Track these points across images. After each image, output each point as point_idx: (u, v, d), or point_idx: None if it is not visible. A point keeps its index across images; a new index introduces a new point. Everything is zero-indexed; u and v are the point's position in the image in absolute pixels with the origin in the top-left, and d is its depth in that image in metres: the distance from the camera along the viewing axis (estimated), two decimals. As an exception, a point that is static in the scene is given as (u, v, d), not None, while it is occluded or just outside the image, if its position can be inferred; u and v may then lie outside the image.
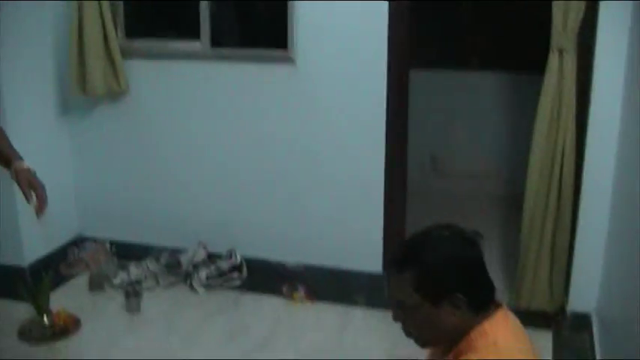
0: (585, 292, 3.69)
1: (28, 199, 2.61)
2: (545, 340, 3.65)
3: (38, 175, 2.63)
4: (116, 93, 4.31)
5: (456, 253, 1.87)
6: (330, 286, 4.07)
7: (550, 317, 3.82)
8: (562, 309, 3.81)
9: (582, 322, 3.72)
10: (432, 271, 1.86)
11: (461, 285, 1.87)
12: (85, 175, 4.59)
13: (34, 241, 4.27)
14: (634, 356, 2.54)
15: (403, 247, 1.95)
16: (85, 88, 4.19)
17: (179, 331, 3.74)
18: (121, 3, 4.25)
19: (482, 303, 1.92)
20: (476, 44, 5.75)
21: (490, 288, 1.96)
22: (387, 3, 3.72)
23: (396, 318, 1.98)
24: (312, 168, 4.13)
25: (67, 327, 3.71)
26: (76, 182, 4.61)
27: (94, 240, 4.61)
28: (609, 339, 3.19)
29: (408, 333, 2.00)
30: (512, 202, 4.34)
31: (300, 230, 4.23)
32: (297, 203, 4.20)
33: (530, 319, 3.70)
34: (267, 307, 4.05)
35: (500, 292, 4.05)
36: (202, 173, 4.37)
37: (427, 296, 1.89)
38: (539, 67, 3.51)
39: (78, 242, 4.63)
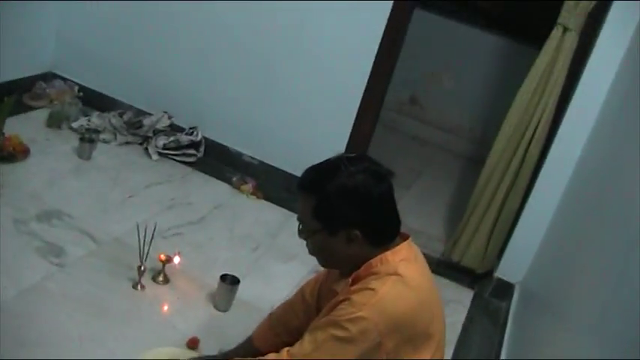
0: (516, 263, 3.78)
1: None
2: (465, 296, 3.77)
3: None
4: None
5: (358, 187, 1.90)
6: (279, 188, 4.11)
7: (476, 277, 3.91)
8: (490, 272, 3.90)
9: (505, 290, 3.82)
10: (330, 201, 1.91)
11: (358, 220, 1.91)
12: (71, 14, 4.49)
13: (5, 64, 4.22)
14: (541, 322, 2.64)
15: (312, 171, 1.98)
16: None
17: (123, 188, 3.77)
18: None
19: (383, 238, 1.97)
20: (487, 5, 5.70)
21: (394, 224, 2.00)
22: None
23: (299, 236, 2.03)
24: (293, 65, 4.09)
25: (14, 153, 3.70)
26: (61, 19, 4.52)
27: (64, 80, 4.57)
28: (524, 313, 3.29)
29: (310, 251, 2.06)
30: (477, 164, 4.38)
31: (265, 126, 4.23)
32: (270, 99, 4.18)
33: (457, 273, 3.87)
34: (213, 190, 4.09)
35: (437, 240, 4.16)
36: (183, 43, 4.33)
37: (324, 224, 1.93)
38: (540, 43, 3.51)
39: (47, 78, 4.59)
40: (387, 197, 1.95)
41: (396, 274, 1.90)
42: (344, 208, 1.89)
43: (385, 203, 1.95)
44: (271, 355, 1.94)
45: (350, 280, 1.96)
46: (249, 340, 2.49)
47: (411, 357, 1.93)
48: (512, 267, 3.81)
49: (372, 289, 1.86)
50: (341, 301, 1.90)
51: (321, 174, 1.93)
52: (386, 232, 1.97)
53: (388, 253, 1.95)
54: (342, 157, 1.96)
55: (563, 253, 2.89)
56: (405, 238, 2.02)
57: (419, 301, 1.92)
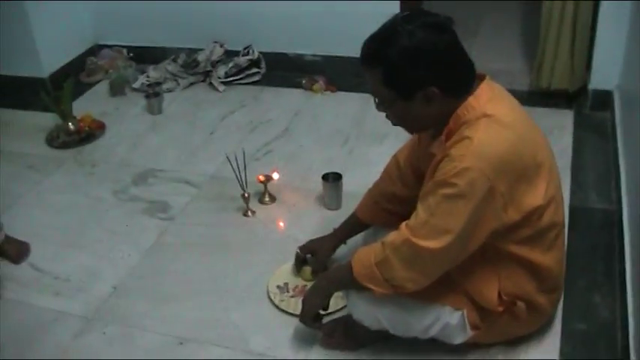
0: (607, 69, 3.60)
1: None
2: (566, 118, 3.64)
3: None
4: None
5: (421, 44, 1.80)
6: (349, 75, 4.02)
7: (571, 96, 3.77)
8: (584, 87, 3.75)
9: (604, 99, 3.66)
10: (398, 67, 1.82)
11: (431, 77, 1.83)
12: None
13: (51, 52, 4.30)
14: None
15: (370, 42, 1.88)
16: None
17: (201, 128, 3.79)
18: None
19: (461, 86, 1.89)
20: None
21: (468, 70, 1.91)
22: None
23: (378, 109, 1.97)
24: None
25: (92, 131, 3.77)
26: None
27: (111, 47, 4.58)
28: (630, 115, 3.15)
29: (393, 123, 2.00)
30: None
31: (316, 21, 4.13)
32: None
33: (551, 98, 3.76)
34: (287, 99, 4.05)
35: (521, 74, 4.02)
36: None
37: (398, 91, 1.86)
38: None
39: (95, 50, 4.63)
40: (453, 45, 1.85)
41: (485, 115, 1.83)
42: (413, 69, 1.81)
43: (453, 52, 1.85)
44: (392, 235, 1.91)
45: (443, 137, 1.90)
46: (353, 215, 2.52)
47: (527, 191, 1.87)
48: (604, 74, 3.63)
49: (468, 138, 1.80)
50: (440, 160, 1.85)
51: (380, 42, 1.85)
52: (462, 80, 1.89)
53: (471, 98, 1.87)
54: (396, 18, 1.87)
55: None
56: (482, 78, 1.93)
57: (517, 135, 1.85)
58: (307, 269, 2.56)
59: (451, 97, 1.87)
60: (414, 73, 1.82)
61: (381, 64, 1.84)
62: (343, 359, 2.26)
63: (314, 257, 2.54)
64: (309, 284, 2.22)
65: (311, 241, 2.58)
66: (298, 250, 2.57)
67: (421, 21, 1.82)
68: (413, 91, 1.85)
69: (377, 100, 1.94)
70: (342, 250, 2.56)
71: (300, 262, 2.58)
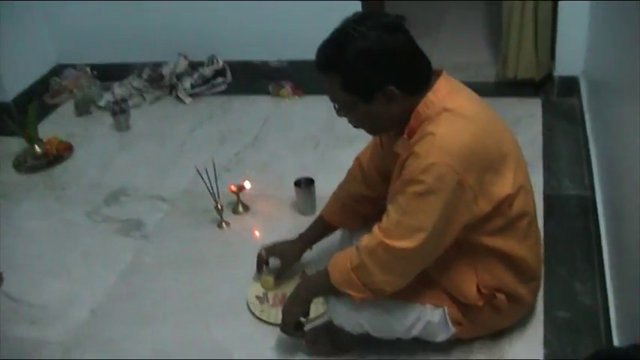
0: (572, 56, 3.62)
1: None
2: (535, 107, 3.65)
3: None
4: None
5: (376, 45, 1.79)
6: (316, 78, 3.98)
7: (538, 84, 3.79)
8: (549, 75, 3.77)
9: (570, 85, 3.68)
10: (355, 71, 1.81)
11: (388, 77, 1.82)
12: (57, 2, 4.41)
13: (13, 75, 4.23)
14: (618, 107, 2.53)
15: (324, 48, 1.86)
16: None
17: (171, 142, 3.76)
18: None
19: (419, 83, 1.88)
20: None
21: (425, 67, 1.90)
22: None
23: (339, 114, 1.96)
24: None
25: (60, 153, 3.72)
26: (49, 11, 4.44)
27: (74, 66, 4.53)
28: (597, 100, 3.17)
29: (355, 126, 1.99)
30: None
31: (279, 27, 4.11)
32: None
33: (518, 87, 3.77)
34: (255, 107, 4.03)
35: (487, 65, 4.03)
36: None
37: (357, 94, 1.85)
38: None
39: (58, 70, 4.57)
40: (407, 44, 1.84)
41: (445, 110, 1.83)
42: (370, 71, 1.80)
43: (408, 50, 1.84)
44: (366, 238, 1.90)
45: (406, 136, 1.89)
46: (319, 219, 2.51)
47: (495, 181, 1.87)
48: (569, 60, 3.65)
49: (430, 133, 1.79)
50: (406, 159, 1.84)
51: (335, 47, 1.84)
52: (419, 77, 1.88)
53: (430, 94, 1.86)
54: (348, 22, 1.86)
55: (616, 26, 2.72)
56: (439, 74, 1.93)
57: (479, 126, 1.84)
58: (269, 279, 2.55)
59: (410, 95, 1.86)
60: (372, 74, 1.81)
61: (337, 69, 1.82)
62: (328, 366, 2.24)
63: (281, 261, 2.52)
64: (289, 292, 2.20)
65: (277, 244, 2.55)
66: (263, 253, 2.53)
67: (373, 22, 1.81)
68: (372, 92, 1.84)
69: (336, 105, 1.93)
70: (308, 254, 2.55)
71: (261, 264, 2.55)
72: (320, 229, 2.50)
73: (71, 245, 3.01)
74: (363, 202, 2.38)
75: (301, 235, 2.53)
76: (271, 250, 2.54)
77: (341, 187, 2.48)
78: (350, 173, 2.45)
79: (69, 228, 3.13)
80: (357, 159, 2.42)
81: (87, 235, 3.07)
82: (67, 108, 4.28)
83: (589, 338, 2.23)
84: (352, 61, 1.79)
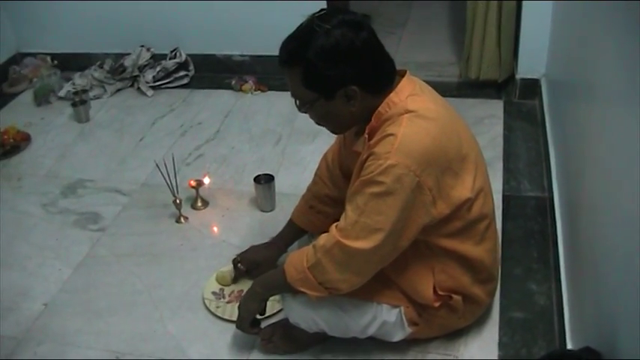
0: (534, 59, 3.65)
1: None
2: (496, 108, 3.68)
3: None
4: None
5: (339, 43, 1.78)
6: (279, 74, 3.96)
7: (500, 85, 3.82)
8: (512, 77, 3.80)
9: (532, 87, 3.72)
10: (316, 67, 1.80)
11: (350, 75, 1.81)
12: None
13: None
14: (577, 109, 2.55)
15: (288, 43, 1.86)
16: None
17: (131, 134, 3.71)
18: None
19: (382, 83, 1.88)
20: None
21: (388, 66, 1.90)
22: None
23: (300, 110, 1.95)
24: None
25: (17, 143, 3.65)
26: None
27: (34, 55, 4.45)
28: (557, 103, 3.19)
29: (317, 123, 1.98)
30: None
31: (243, 21, 4.09)
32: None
33: (481, 88, 3.79)
34: (217, 101, 4.00)
35: (450, 65, 4.05)
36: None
37: (318, 92, 1.84)
38: None
39: (17, 59, 4.50)
40: (371, 42, 1.83)
41: (407, 111, 1.82)
42: (332, 68, 1.79)
43: (371, 49, 1.83)
44: (323, 237, 1.89)
45: (366, 135, 1.89)
46: (290, 223, 2.49)
47: (455, 184, 1.87)
48: (531, 63, 3.67)
49: (391, 134, 1.78)
50: (366, 159, 1.84)
51: (298, 43, 1.82)
52: (382, 76, 1.88)
53: (392, 95, 1.86)
54: (312, 18, 1.84)
55: (577, 30, 2.74)
56: (403, 74, 1.92)
57: (440, 128, 1.84)
58: (226, 275, 2.53)
59: (372, 95, 1.85)
60: (334, 72, 1.80)
61: (299, 65, 1.81)
62: (283, 363, 2.23)
63: (258, 269, 2.46)
64: (246, 289, 2.19)
65: (253, 252, 2.52)
66: (240, 265, 2.50)
67: (338, 19, 1.80)
68: (333, 90, 1.83)
69: (298, 101, 1.92)
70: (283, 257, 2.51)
71: (240, 275, 2.52)
72: (292, 232, 2.49)
73: (25, 237, 2.96)
74: (331, 203, 2.37)
75: (274, 240, 2.51)
76: (248, 260, 2.50)
77: (309, 189, 2.46)
78: (317, 174, 2.44)
79: (23, 219, 3.07)
80: (324, 157, 2.41)
81: (42, 227, 3.01)
82: (26, 97, 4.21)
83: (543, 339, 2.24)
84: (314, 57, 1.78)
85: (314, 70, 1.80)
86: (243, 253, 2.54)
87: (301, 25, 1.84)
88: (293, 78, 1.85)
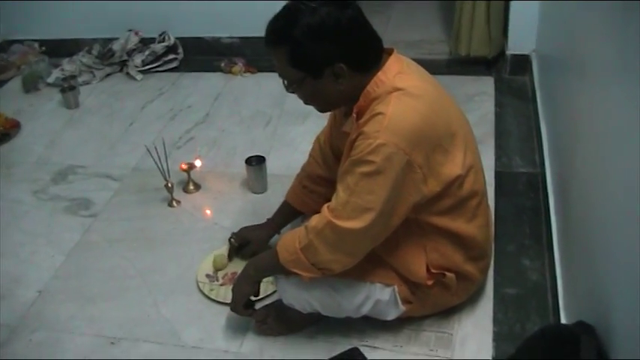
0: (524, 35, 3.65)
1: None
2: (487, 84, 3.68)
3: None
4: None
5: (325, 21, 1.76)
6: (268, 55, 3.96)
7: (491, 62, 3.82)
8: (502, 53, 3.79)
9: (522, 63, 3.72)
10: (303, 46, 1.79)
11: (337, 53, 1.80)
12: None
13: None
14: (567, 84, 2.54)
15: (274, 22, 1.84)
16: None
17: (121, 119, 3.70)
18: None
19: (369, 61, 1.87)
20: None
21: (375, 44, 1.88)
22: None
23: (287, 90, 1.94)
24: None
25: (6, 131, 3.63)
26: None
27: (22, 42, 4.42)
28: (548, 78, 3.18)
29: (305, 103, 1.97)
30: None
31: (231, 3, 4.06)
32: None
33: (471, 65, 3.79)
34: (207, 83, 3.99)
35: (440, 42, 4.04)
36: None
37: (306, 70, 1.83)
38: None
39: (5, 46, 4.47)
40: (357, 20, 1.82)
41: (395, 89, 1.81)
42: (318, 47, 1.78)
43: (357, 27, 1.82)
44: (314, 218, 1.88)
45: (355, 115, 1.88)
46: (284, 203, 2.50)
47: (445, 161, 1.86)
48: (521, 38, 3.68)
49: (380, 113, 1.77)
50: (355, 139, 1.83)
51: (284, 22, 1.81)
52: (369, 54, 1.86)
53: (380, 73, 1.85)
54: None
55: (567, 5, 2.73)
56: (390, 53, 1.91)
57: (429, 105, 1.83)
58: (221, 258, 2.53)
59: (360, 73, 1.84)
60: (320, 50, 1.78)
61: (286, 44, 1.80)
62: (278, 345, 2.23)
63: (249, 247, 2.50)
64: (239, 271, 2.19)
65: (245, 230, 2.53)
66: (232, 240, 2.52)
67: None
68: (320, 68, 1.81)
69: (285, 81, 1.90)
70: (276, 239, 2.52)
71: (234, 251, 2.54)
72: (286, 213, 2.49)
73: (17, 224, 2.95)
74: (324, 183, 2.36)
75: (269, 221, 2.52)
76: (240, 236, 2.52)
77: (303, 169, 2.46)
78: (310, 154, 2.44)
79: (15, 207, 3.06)
80: (317, 138, 2.41)
81: (33, 214, 3.00)
82: (15, 84, 4.19)
83: (537, 314, 2.25)
84: (300, 36, 1.77)
85: (300, 49, 1.79)
86: (237, 231, 2.55)
87: (287, 4, 1.83)
88: (280, 58, 1.84)
